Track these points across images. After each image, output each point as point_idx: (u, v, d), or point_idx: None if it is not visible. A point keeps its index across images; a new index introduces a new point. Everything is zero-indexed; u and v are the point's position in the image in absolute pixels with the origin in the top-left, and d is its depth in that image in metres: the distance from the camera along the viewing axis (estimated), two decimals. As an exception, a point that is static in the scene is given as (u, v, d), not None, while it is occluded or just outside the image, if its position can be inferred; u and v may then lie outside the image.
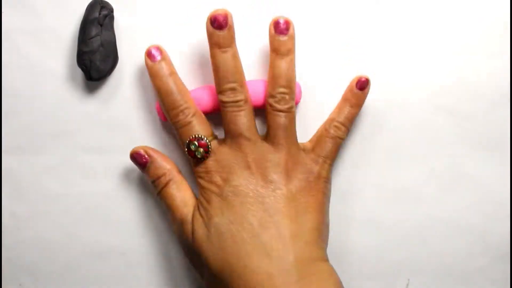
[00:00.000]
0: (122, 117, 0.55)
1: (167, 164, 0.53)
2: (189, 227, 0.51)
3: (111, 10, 0.53)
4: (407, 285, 0.55)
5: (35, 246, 0.55)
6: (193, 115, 0.51)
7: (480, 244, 0.56)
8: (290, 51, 0.51)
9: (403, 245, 0.55)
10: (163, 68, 0.52)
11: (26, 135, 0.55)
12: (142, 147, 0.53)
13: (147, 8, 0.54)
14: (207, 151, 0.51)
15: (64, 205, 0.55)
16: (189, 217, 0.51)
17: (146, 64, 0.52)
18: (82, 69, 0.53)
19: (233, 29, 0.51)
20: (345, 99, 0.53)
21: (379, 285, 0.55)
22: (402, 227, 0.55)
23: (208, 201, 0.50)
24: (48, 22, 0.54)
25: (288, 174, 0.50)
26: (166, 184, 0.52)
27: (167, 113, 0.52)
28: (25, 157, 0.55)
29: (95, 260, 0.56)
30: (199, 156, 0.50)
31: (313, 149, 0.52)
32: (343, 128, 0.52)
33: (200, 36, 0.54)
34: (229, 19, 0.50)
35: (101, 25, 0.53)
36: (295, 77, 0.51)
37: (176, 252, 0.55)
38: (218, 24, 0.50)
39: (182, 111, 0.51)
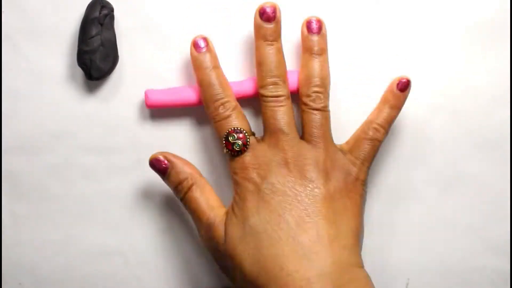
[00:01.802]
0: (122, 116, 0.55)
1: (188, 168, 0.52)
2: (219, 229, 0.49)
3: (111, 10, 0.53)
4: (407, 284, 0.55)
5: (35, 246, 0.55)
6: (234, 109, 0.51)
7: (480, 244, 0.56)
8: (323, 50, 0.51)
9: (403, 245, 0.55)
10: (207, 60, 0.51)
11: (26, 135, 0.55)
12: (161, 153, 0.52)
13: (147, 7, 0.54)
14: (246, 144, 0.50)
15: (64, 205, 0.55)
16: (218, 220, 0.50)
17: (191, 54, 0.52)
18: (82, 69, 0.53)
19: (281, 23, 0.51)
20: (384, 100, 0.52)
21: (379, 285, 0.55)
22: (402, 227, 0.55)
23: (244, 200, 0.49)
24: (48, 22, 0.54)
25: (326, 173, 0.49)
26: (189, 188, 0.51)
27: (207, 105, 0.51)
28: (25, 157, 0.55)
29: (95, 260, 0.55)
30: (237, 148, 0.50)
31: (350, 151, 0.51)
32: (382, 130, 0.51)
33: (198, 34, 0.54)
34: (278, 12, 0.50)
35: (101, 25, 0.53)
36: (329, 76, 0.51)
37: (176, 252, 0.55)
38: (267, 17, 0.50)
39: (223, 104, 0.50)
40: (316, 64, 0.51)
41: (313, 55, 0.51)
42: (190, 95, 0.53)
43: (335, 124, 0.52)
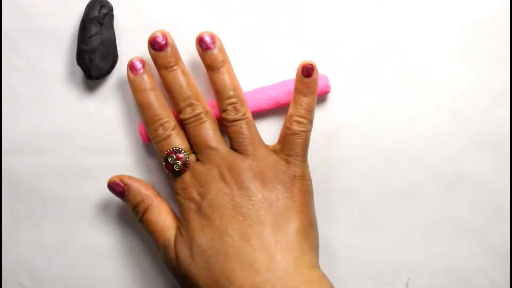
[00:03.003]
0: (122, 116, 0.55)
1: (145, 190, 0.52)
2: (172, 250, 0.50)
3: (110, 9, 0.53)
4: (407, 284, 0.55)
5: (35, 246, 0.55)
6: (173, 129, 0.51)
7: (480, 244, 0.55)
8: (224, 62, 0.51)
9: (403, 245, 0.55)
10: (145, 82, 0.51)
11: (26, 135, 0.55)
12: (117, 176, 0.52)
13: (147, 7, 0.54)
14: (185, 163, 0.50)
15: (64, 205, 0.55)
16: (172, 241, 0.50)
17: (128, 77, 0.52)
18: (82, 68, 0.53)
19: (175, 46, 0.51)
20: (296, 90, 0.52)
21: (379, 285, 0.55)
22: (402, 227, 0.55)
23: (187, 219, 0.50)
24: (47, 21, 0.54)
25: (262, 179, 0.50)
26: (146, 210, 0.52)
27: (147, 126, 0.52)
28: (25, 157, 0.55)
29: (95, 260, 0.55)
30: (177, 169, 0.50)
31: (282, 150, 0.51)
32: (304, 121, 0.51)
33: (198, 33, 0.54)
34: (169, 38, 0.51)
35: (100, 24, 0.53)
36: (238, 84, 0.51)
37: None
38: (159, 46, 0.51)
39: (162, 124, 0.51)
40: (221, 76, 0.51)
41: (215, 69, 0.51)
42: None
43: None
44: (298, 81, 0.51)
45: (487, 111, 0.55)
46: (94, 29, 0.53)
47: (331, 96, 0.55)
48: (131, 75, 0.52)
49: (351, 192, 0.55)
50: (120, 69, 0.54)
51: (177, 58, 0.51)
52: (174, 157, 0.50)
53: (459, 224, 0.55)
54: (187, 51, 0.54)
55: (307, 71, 0.51)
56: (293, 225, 0.49)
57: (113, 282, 0.56)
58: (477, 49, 0.55)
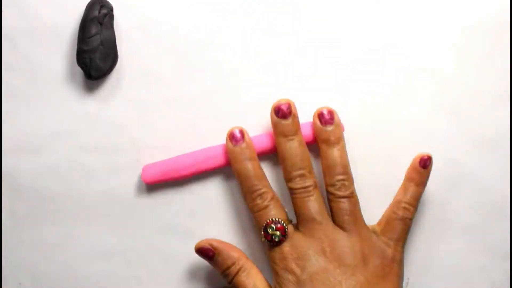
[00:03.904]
0: (122, 116, 0.55)
1: (235, 253, 0.52)
2: None
3: (110, 9, 0.53)
4: (407, 284, 0.55)
5: (35, 246, 0.55)
6: (271, 199, 0.51)
7: (480, 244, 0.55)
8: (339, 139, 0.52)
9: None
10: (244, 153, 0.52)
11: (26, 135, 0.55)
12: (206, 241, 0.53)
13: (147, 7, 0.54)
14: (284, 234, 0.50)
15: (64, 205, 0.55)
16: None
17: (227, 146, 0.53)
18: (82, 68, 0.53)
19: (297, 117, 0.52)
20: (409, 178, 0.53)
21: (379, 285, 0.55)
22: (402, 227, 0.55)
23: None
24: (47, 21, 0.54)
25: (363, 258, 0.50)
26: (237, 273, 0.52)
27: (244, 196, 0.52)
28: (25, 157, 0.55)
29: (95, 260, 0.55)
30: (276, 239, 0.50)
31: (383, 232, 0.52)
32: (411, 208, 0.52)
33: (199, 34, 0.54)
34: (293, 108, 0.52)
35: (100, 24, 0.53)
36: (348, 162, 0.52)
37: (175, 252, 0.55)
38: (283, 114, 0.51)
39: (260, 195, 0.51)
40: (335, 153, 0.52)
41: (330, 145, 0.52)
42: (188, 166, 0.54)
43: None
44: (412, 169, 0.53)
45: (487, 111, 0.55)
46: (94, 29, 0.53)
47: (331, 97, 0.55)
48: (230, 145, 0.52)
49: (351, 192, 0.55)
50: (120, 69, 0.54)
51: (297, 128, 0.52)
52: (274, 227, 0.50)
53: (459, 224, 0.55)
54: (187, 51, 0.54)
55: (424, 163, 0.52)
56: None
57: (113, 282, 0.56)
58: (477, 49, 0.55)
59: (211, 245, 0.52)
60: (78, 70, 0.54)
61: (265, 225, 0.51)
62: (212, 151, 0.54)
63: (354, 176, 0.54)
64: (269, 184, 0.52)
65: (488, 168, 0.55)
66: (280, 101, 0.52)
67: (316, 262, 0.50)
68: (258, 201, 0.51)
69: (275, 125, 0.52)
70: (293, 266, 0.50)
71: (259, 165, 0.53)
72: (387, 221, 0.52)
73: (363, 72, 0.55)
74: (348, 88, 0.55)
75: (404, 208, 0.52)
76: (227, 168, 0.55)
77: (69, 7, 0.54)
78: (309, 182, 0.51)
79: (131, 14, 0.54)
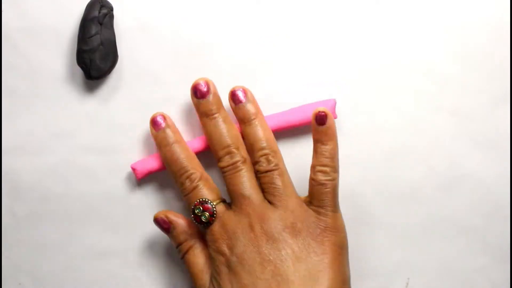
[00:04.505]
0: (122, 116, 0.55)
1: (190, 230, 0.52)
2: None
3: (110, 9, 0.53)
4: (407, 284, 0.55)
5: (35, 246, 0.55)
6: (199, 179, 0.51)
7: (480, 244, 0.55)
8: (256, 114, 0.51)
9: (403, 245, 0.55)
10: (168, 137, 0.52)
11: (26, 135, 0.55)
12: (163, 212, 0.52)
13: (147, 7, 0.54)
14: (212, 214, 0.50)
15: (64, 205, 0.55)
16: (207, 286, 0.51)
17: (151, 133, 0.52)
18: (82, 68, 0.53)
19: (217, 94, 0.51)
20: (314, 140, 0.50)
21: (378, 285, 0.55)
22: (402, 227, 0.55)
23: (218, 273, 0.49)
24: (47, 21, 0.54)
25: (293, 231, 0.49)
26: (187, 251, 0.52)
27: (175, 181, 0.52)
28: (25, 157, 0.55)
29: (95, 260, 0.55)
30: (204, 220, 0.50)
31: (311, 202, 0.50)
32: (328, 169, 0.50)
33: (198, 34, 0.54)
34: (211, 86, 0.51)
35: (100, 24, 0.53)
36: (271, 134, 0.51)
37: (175, 253, 0.55)
38: (201, 93, 0.51)
39: (188, 177, 0.51)
40: (254, 129, 0.51)
41: (247, 122, 0.51)
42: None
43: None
44: (314, 130, 0.50)
45: (487, 111, 0.55)
46: (94, 29, 0.53)
47: (331, 96, 0.55)
48: (154, 131, 0.52)
49: (351, 192, 0.55)
50: (120, 69, 0.54)
51: (219, 106, 0.51)
52: (201, 208, 0.50)
53: (459, 224, 0.55)
54: (187, 51, 0.54)
55: (321, 119, 0.50)
56: (326, 282, 0.48)
57: (113, 282, 0.56)
58: (477, 49, 0.55)
59: (167, 217, 0.52)
60: (78, 70, 0.54)
61: (193, 206, 0.50)
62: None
63: (354, 176, 0.54)
64: (198, 164, 0.52)
65: (488, 168, 0.55)
66: (197, 81, 0.51)
67: (243, 240, 0.49)
68: (187, 183, 0.51)
69: (196, 106, 0.51)
70: (224, 247, 0.49)
71: (186, 147, 0.52)
72: (310, 190, 0.50)
73: (362, 72, 0.55)
74: (348, 88, 0.55)
75: (320, 171, 0.49)
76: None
77: (69, 7, 0.54)
78: (236, 158, 0.50)
79: (131, 14, 0.54)
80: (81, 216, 0.55)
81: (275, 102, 0.55)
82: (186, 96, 0.55)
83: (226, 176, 0.50)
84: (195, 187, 0.50)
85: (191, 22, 0.55)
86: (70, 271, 0.56)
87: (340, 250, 0.49)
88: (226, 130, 0.51)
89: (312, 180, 0.50)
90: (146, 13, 0.54)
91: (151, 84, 0.55)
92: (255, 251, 0.48)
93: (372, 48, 0.55)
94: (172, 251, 0.55)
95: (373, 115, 0.55)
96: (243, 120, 0.51)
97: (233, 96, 0.52)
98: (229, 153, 0.50)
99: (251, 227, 0.49)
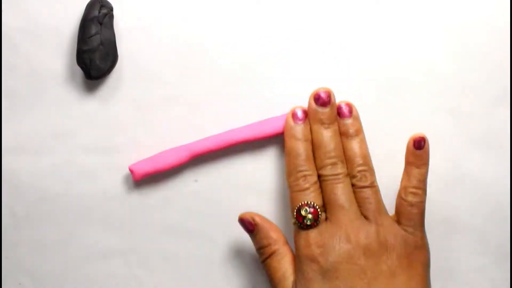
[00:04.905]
0: (122, 116, 0.55)
1: (274, 234, 0.52)
2: None
3: (110, 9, 0.53)
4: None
5: (35, 246, 0.55)
6: (314, 183, 0.51)
7: (480, 244, 0.55)
8: (358, 131, 0.52)
9: (403, 245, 0.55)
10: (302, 132, 0.52)
11: (26, 135, 0.55)
12: (249, 214, 0.53)
13: (147, 7, 0.54)
14: (317, 219, 0.50)
15: (64, 205, 0.55)
16: None
17: (287, 122, 0.53)
18: (82, 68, 0.53)
19: (336, 106, 0.52)
20: (408, 162, 0.52)
21: (379, 285, 0.55)
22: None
23: (308, 280, 0.50)
24: (47, 21, 0.54)
25: (387, 248, 0.50)
26: (269, 256, 0.52)
27: (289, 173, 0.52)
28: (25, 157, 0.55)
29: (95, 260, 0.55)
30: (307, 222, 0.50)
31: (399, 221, 0.51)
32: (419, 191, 0.51)
33: (198, 34, 0.54)
34: (332, 97, 0.52)
35: (100, 24, 0.53)
36: (368, 153, 0.52)
37: (175, 253, 0.55)
38: (322, 102, 0.52)
39: (304, 176, 0.51)
40: (356, 145, 0.52)
41: (350, 137, 0.52)
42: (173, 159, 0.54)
43: None
44: (409, 153, 0.52)
45: (487, 111, 0.55)
46: (94, 29, 0.53)
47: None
48: (291, 122, 0.53)
49: (351, 192, 0.55)
50: (120, 68, 0.55)
51: (335, 118, 0.52)
52: (308, 210, 0.50)
53: (459, 224, 0.55)
54: (187, 51, 0.54)
55: (418, 144, 0.52)
56: None
57: (113, 282, 0.56)
58: (477, 49, 0.55)
59: (253, 219, 0.52)
60: (78, 70, 0.54)
61: (300, 206, 0.51)
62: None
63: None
64: (315, 169, 0.52)
65: (488, 168, 0.55)
66: (319, 89, 0.52)
67: (340, 250, 0.49)
68: (301, 181, 0.51)
69: (313, 112, 0.52)
70: (317, 254, 0.50)
71: (311, 149, 0.53)
72: (399, 209, 0.52)
73: (362, 72, 0.55)
74: (348, 88, 0.55)
75: (412, 193, 0.51)
76: (227, 168, 0.55)
77: (69, 7, 0.54)
78: (340, 170, 0.51)
79: (131, 14, 0.54)
80: (81, 216, 0.55)
81: (275, 102, 0.55)
82: (186, 96, 0.55)
83: (326, 184, 0.51)
84: (307, 188, 0.51)
85: (191, 22, 0.55)
86: (70, 271, 0.56)
87: (427, 268, 0.51)
88: (336, 143, 0.52)
89: (403, 200, 0.51)
90: (146, 13, 0.54)
91: (151, 84, 0.55)
92: (351, 263, 0.49)
93: (372, 48, 0.55)
94: (172, 251, 0.55)
95: (373, 115, 0.55)
96: (346, 134, 0.52)
97: (340, 110, 0.53)
98: (334, 164, 0.51)
99: (348, 238, 0.50)
